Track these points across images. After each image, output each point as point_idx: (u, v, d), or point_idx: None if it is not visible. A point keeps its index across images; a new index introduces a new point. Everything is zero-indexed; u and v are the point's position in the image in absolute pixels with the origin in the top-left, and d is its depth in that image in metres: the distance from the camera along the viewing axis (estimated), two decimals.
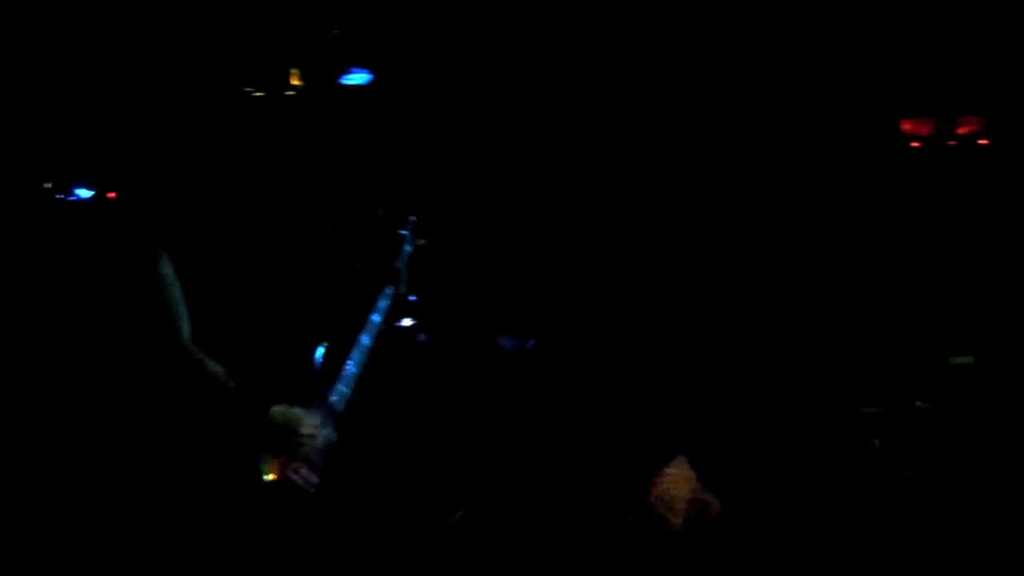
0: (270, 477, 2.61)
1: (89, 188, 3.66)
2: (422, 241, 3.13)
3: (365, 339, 2.88)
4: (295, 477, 2.64)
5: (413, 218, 3.13)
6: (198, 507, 2.61)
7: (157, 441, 2.75)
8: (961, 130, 4.72)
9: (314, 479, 2.67)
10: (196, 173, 2.69)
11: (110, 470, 3.07)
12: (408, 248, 3.07)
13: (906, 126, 4.77)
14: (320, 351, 2.83)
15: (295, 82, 4.68)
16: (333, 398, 2.80)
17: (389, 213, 4.47)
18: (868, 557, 3.25)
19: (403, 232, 3.08)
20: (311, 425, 2.67)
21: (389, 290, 2.98)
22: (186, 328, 2.69)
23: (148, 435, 2.94)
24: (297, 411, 2.66)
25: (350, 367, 2.84)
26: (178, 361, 2.59)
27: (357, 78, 4.78)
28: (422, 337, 4.49)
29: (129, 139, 3.71)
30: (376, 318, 2.93)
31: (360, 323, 2.87)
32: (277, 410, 2.62)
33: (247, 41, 4.61)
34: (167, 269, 2.65)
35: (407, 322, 3.15)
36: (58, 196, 3.61)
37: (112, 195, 3.81)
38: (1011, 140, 4.75)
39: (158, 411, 2.69)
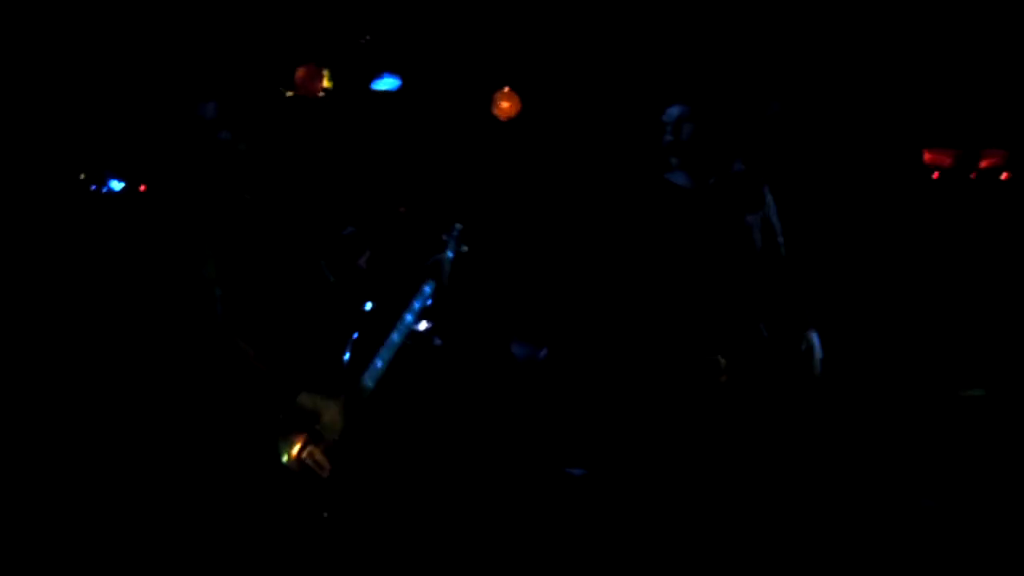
0: (287, 458, 2.66)
1: (121, 180, 3.73)
2: (465, 248, 3.12)
3: (396, 336, 2.92)
4: (310, 461, 2.69)
5: (459, 225, 3.11)
6: (214, 485, 2.67)
7: (182, 418, 2.80)
8: (984, 163, 4.74)
9: (328, 465, 2.72)
10: (233, 169, 2.75)
11: (135, 446, 3.13)
12: (450, 254, 3.06)
13: (928, 157, 4.80)
14: (351, 342, 2.88)
15: (326, 84, 4.76)
16: (357, 390, 2.85)
17: (413, 213, 4.54)
18: None
19: (447, 238, 3.07)
20: (333, 413, 2.72)
21: (427, 291, 3.00)
22: (219, 308, 2.72)
23: (174, 411, 3.00)
24: (321, 399, 2.71)
25: (378, 362, 2.89)
26: (208, 341, 2.62)
27: (387, 83, 4.86)
28: (438, 341, 4.55)
29: (167, 133, 3.80)
30: (409, 318, 2.96)
31: (394, 320, 2.92)
32: (304, 396, 2.67)
33: (282, 42, 4.69)
34: (203, 247, 2.69)
35: (423, 325, 3.18)
36: (92, 187, 3.68)
37: (144, 187, 3.89)
38: None
39: (185, 386, 2.74)
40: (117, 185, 3.69)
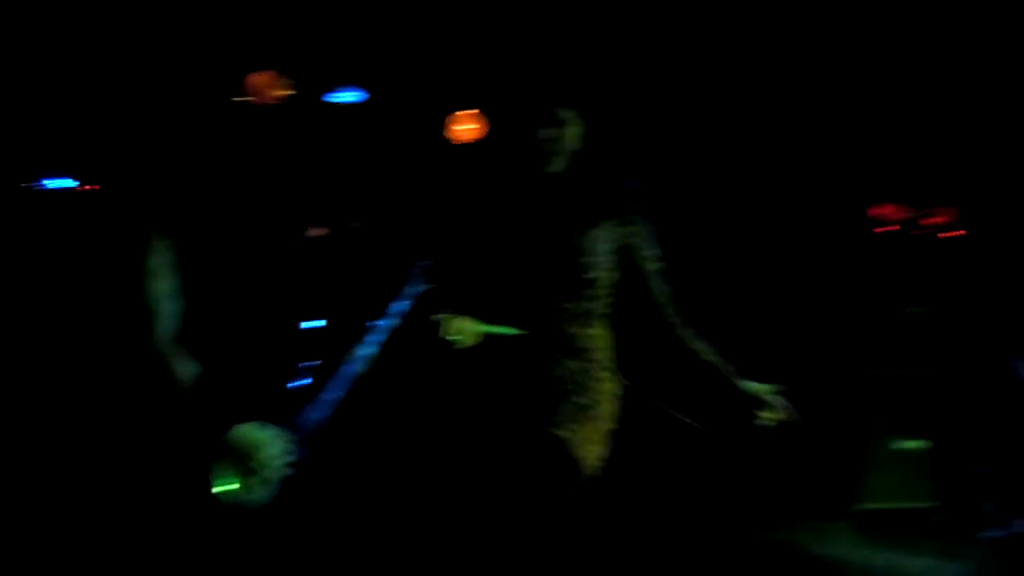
0: (224, 488, 2.53)
1: (71, 179, 3.55)
2: (428, 286, 2.99)
3: (349, 366, 2.82)
4: (249, 493, 2.57)
5: (425, 263, 2.95)
6: (148, 509, 2.54)
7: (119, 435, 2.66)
8: (935, 219, 4.84)
9: (267, 494, 2.60)
10: (200, 172, 2.62)
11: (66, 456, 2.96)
12: (414, 290, 2.92)
13: (881, 211, 4.88)
14: (305, 367, 2.77)
15: (284, 93, 4.64)
16: (303, 418, 2.74)
17: (366, 228, 4.43)
18: None
19: (411, 274, 2.92)
20: (272, 447, 2.60)
21: (385, 325, 2.88)
22: (166, 324, 2.57)
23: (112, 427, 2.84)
24: (259, 432, 2.58)
25: (327, 392, 2.78)
26: (150, 360, 2.48)
27: (349, 95, 4.75)
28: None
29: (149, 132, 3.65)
30: (366, 350, 2.85)
31: (349, 348, 2.81)
32: (240, 430, 2.54)
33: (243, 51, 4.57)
34: (160, 258, 2.55)
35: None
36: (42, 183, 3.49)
37: (93, 186, 3.70)
38: (984, 231, 4.89)
39: (121, 405, 2.60)
40: (68, 184, 3.52)
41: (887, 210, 4.98)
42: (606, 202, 2.56)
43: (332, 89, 4.95)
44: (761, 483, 4.79)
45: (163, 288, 2.59)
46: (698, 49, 4.61)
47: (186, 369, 2.56)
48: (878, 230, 4.98)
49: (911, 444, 4.71)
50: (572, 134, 2.50)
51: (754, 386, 2.52)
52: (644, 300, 2.58)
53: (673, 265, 2.61)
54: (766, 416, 2.54)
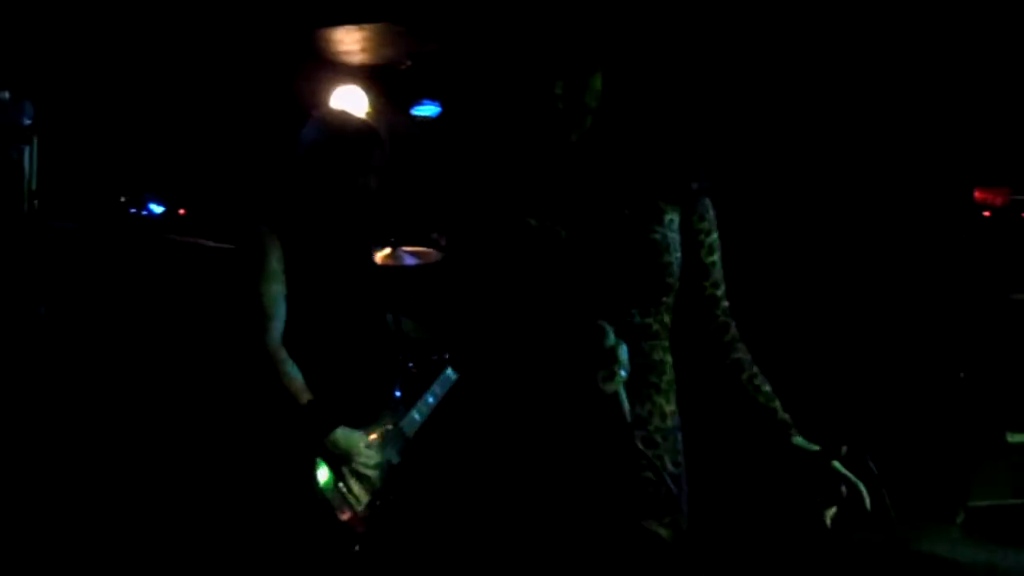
0: (324, 488, 2.59)
1: (160, 204, 3.71)
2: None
3: (451, 372, 2.88)
4: (347, 495, 2.62)
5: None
6: (242, 512, 2.62)
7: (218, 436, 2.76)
8: None
9: (365, 499, 2.64)
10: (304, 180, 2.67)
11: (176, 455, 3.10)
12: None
13: (978, 195, 4.72)
14: (404, 373, 2.82)
15: (367, 110, 4.74)
16: (404, 422, 2.79)
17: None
18: None
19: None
20: (369, 452, 2.65)
21: None
22: (278, 327, 2.63)
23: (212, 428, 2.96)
24: (358, 436, 2.63)
25: (428, 397, 2.84)
26: (259, 361, 2.54)
27: (427, 110, 4.82)
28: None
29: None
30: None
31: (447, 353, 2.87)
32: (339, 434, 2.59)
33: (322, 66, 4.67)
34: (275, 262, 2.60)
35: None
36: (132, 210, 3.67)
37: (183, 211, 3.86)
38: None
39: (226, 408, 2.70)
40: (157, 208, 3.68)
41: (992, 194, 4.80)
42: (665, 177, 1.86)
43: (415, 103, 5.02)
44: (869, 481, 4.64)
45: (277, 291, 2.63)
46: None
47: (291, 375, 2.61)
48: (986, 214, 4.79)
49: (1020, 438, 4.52)
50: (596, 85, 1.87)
51: (808, 446, 1.83)
52: (699, 313, 1.90)
53: (735, 264, 1.98)
54: (828, 515, 1.83)
